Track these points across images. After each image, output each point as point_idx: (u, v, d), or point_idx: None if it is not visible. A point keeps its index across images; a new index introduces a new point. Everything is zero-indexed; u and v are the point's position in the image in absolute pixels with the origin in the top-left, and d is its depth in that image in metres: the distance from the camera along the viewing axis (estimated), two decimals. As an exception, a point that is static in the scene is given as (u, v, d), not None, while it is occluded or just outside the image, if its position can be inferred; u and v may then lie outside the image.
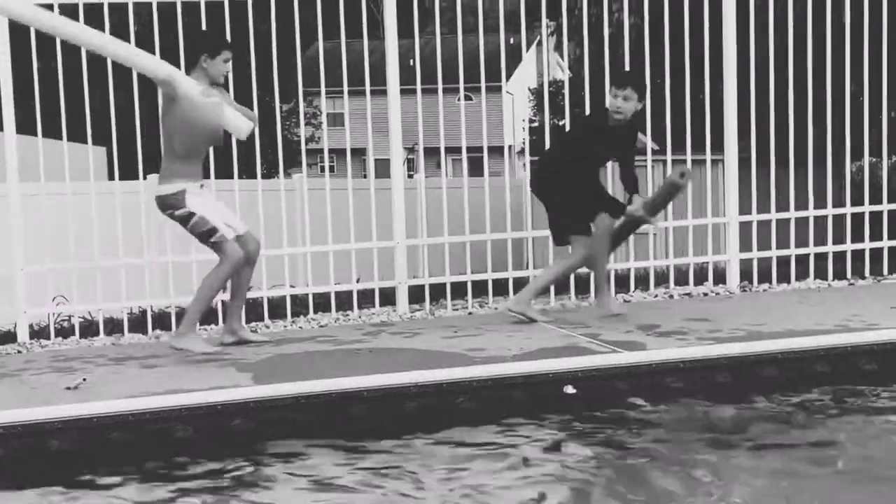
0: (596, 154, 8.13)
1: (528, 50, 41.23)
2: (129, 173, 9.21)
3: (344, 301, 9.18)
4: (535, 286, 8.33)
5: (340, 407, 6.40)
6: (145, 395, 6.41)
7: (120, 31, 8.66)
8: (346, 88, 9.30)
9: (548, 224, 8.32)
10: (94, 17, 8.51)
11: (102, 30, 7.68)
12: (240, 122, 7.23)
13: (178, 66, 7.54)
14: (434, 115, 8.99)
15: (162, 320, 8.85)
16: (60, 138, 8.58)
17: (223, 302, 8.42)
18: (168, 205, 7.47)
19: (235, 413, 6.28)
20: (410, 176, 24.02)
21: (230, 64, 7.59)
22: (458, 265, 9.39)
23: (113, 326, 8.86)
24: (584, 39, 9.39)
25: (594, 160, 8.17)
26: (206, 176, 7.93)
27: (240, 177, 8.99)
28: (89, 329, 8.84)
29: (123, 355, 7.78)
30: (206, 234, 7.47)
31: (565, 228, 8.16)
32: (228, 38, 8.03)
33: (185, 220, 7.46)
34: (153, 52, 7.68)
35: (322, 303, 9.16)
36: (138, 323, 8.85)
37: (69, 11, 8.02)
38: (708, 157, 9.40)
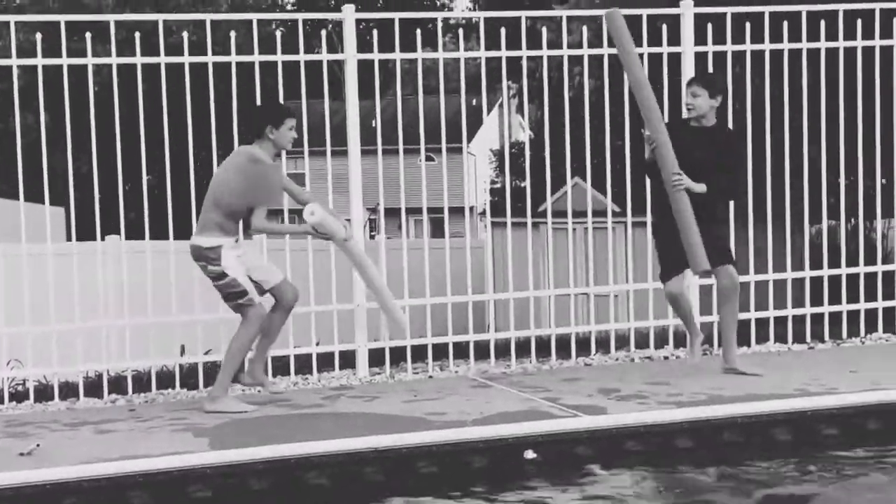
0: (680, 159, 7.85)
1: (489, 111, 41.50)
2: (87, 234, 9.13)
3: (303, 364, 9.10)
4: None
5: (298, 473, 6.33)
6: (100, 461, 6.31)
7: (81, 91, 8.65)
8: (306, 149, 9.28)
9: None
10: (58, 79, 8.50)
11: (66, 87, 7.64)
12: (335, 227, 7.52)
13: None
14: (395, 176, 8.99)
15: (118, 384, 8.74)
16: (17, 198, 8.51)
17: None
18: (202, 257, 7.54)
19: (192, 480, 6.20)
20: (372, 237, 24.01)
21: (294, 131, 7.66)
22: (418, 328, 9.34)
23: (68, 390, 8.73)
24: (545, 101, 9.41)
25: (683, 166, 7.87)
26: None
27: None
28: (44, 393, 8.71)
29: (78, 420, 7.67)
30: (235, 296, 7.57)
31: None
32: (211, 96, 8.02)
33: (216, 278, 7.55)
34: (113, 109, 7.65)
35: (281, 366, 9.08)
36: (94, 387, 8.73)
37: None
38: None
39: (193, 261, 7.64)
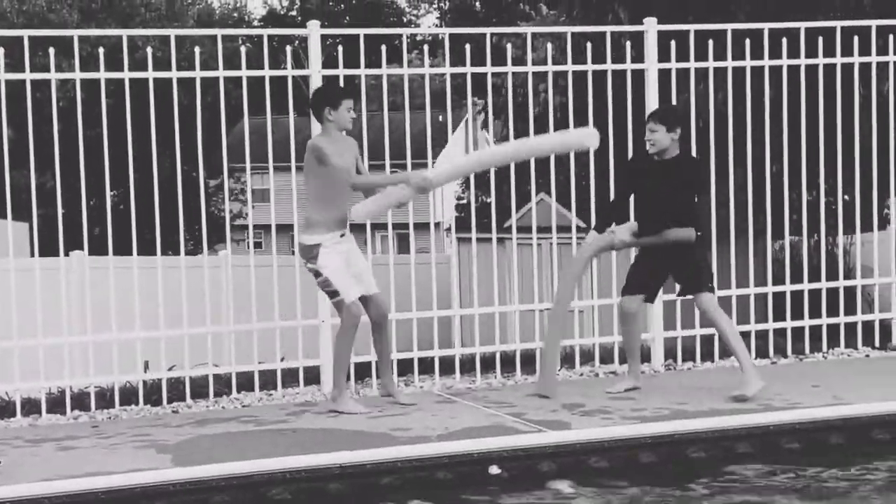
0: (640, 191, 8.33)
1: (455, 127, 41.54)
2: (50, 249, 9.08)
3: (268, 380, 9.08)
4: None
5: (262, 489, 6.31)
6: (63, 478, 6.28)
7: (45, 106, 8.62)
8: (271, 164, 9.28)
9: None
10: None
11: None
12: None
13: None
14: (360, 193, 8.98)
15: (81, 400, 8.68)
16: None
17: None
18: (304, 254, 7.86)
19: (155, 496, 6.18)
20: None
21: (353, 112, 7.92)
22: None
23: (31, 407, 8.67)
24: (510, 118, 9.45)
25: (640, 199, 8.35)
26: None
27: (164, 253, 8.89)
28: (6, 410, 8.64)
29: (41, 437, 7.62)
30: (330, 294, 7.86)
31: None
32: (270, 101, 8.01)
33: (315, 275, 7.84)
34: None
35: (245, 382, 9.05)
36: (57, 403, 8.67)
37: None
38: (632, 235, 9.44)
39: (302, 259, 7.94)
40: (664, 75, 9.61)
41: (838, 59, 9.86)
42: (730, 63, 9.65)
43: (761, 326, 9.80)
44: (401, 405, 8.12)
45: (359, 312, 7.81)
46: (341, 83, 9.03)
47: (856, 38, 9.83)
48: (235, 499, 6.21)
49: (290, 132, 9.11)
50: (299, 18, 59.68)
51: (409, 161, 9.18)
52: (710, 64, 9.69)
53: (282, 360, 9.08)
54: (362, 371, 9.22)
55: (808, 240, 10.27)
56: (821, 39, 9.73)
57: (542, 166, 9.56)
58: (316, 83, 8.91)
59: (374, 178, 8.02)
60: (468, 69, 9.31)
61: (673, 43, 9.45)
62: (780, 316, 9.89)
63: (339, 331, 7.89)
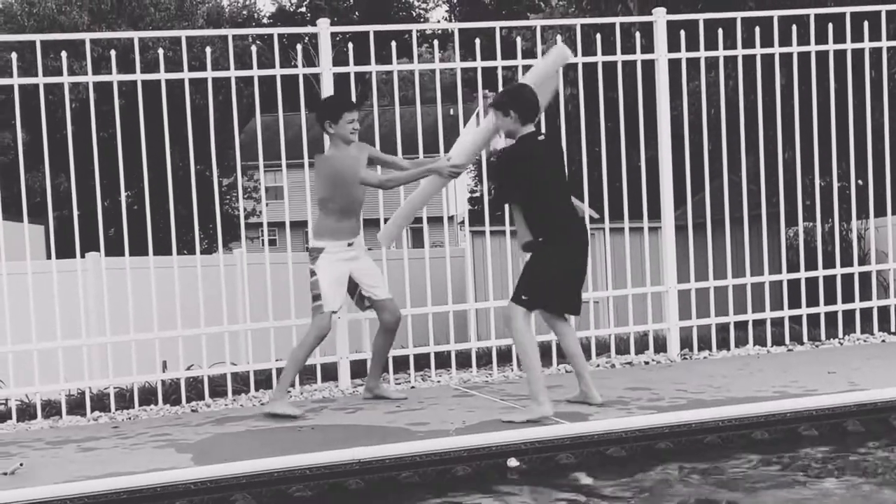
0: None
1: (466, 121, 41.54)
2: (67, 251, 9.12)
3: (286, 377, 9.10)
4: None
5: (282, 486, 6.35)
6: (84, 479, 6.33)
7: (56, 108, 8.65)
8: (284, 161, 9.30)
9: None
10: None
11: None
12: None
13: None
14: (374, 188, 9.00)
15: (101, 401, 8.73)
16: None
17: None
18: (310, 255, 7.95)
19: (176, 495, 6.22)
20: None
21: (356, 123, 7.98)
22: (399, 339, 9.34)
23: (51, 409, 8.72)
24: (521, 111, 9.44)
25: None
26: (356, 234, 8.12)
27: (179, 252, 8.94)
28: (27, 412, 8.70)
29: (61, 438, 7.67)
30: (313, 297, 7.88)
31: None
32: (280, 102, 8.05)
33: (311, 274, 7.91)
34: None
35: (264, 380, 9.08)
36: (77, 405, 8.72)
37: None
38: (645, 224, 9.48)
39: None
40: (675, 65, 9.61)
41: (848, 45, 9.85)
42: (740, 52, 9.65)
43: (777, 314, 9.80)
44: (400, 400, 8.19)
45: (328, 326, 7.91)
46: (352, 81, 9.06)
47: (865, 24, 9.82)
48: (256, 496, 6.25)
49: (303, 129, 9.13)
50: (308, 15, 59.69)
51: (420, 155, 9.20)
52: (721, 53, 9.69)
53: (299, 356, 9.09)
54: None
55: (822, 226, 10.25)
56: (831, 26, 9.72)
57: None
58: (327, 81, 8.94)
59: (402, 176, 8.05)
60: (478, 63, 9.32)
61: (683, 33, 9.45)
62: (795, 303, 9.88)
63: (305, 336, 7.94)
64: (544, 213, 7.36)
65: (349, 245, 7.92)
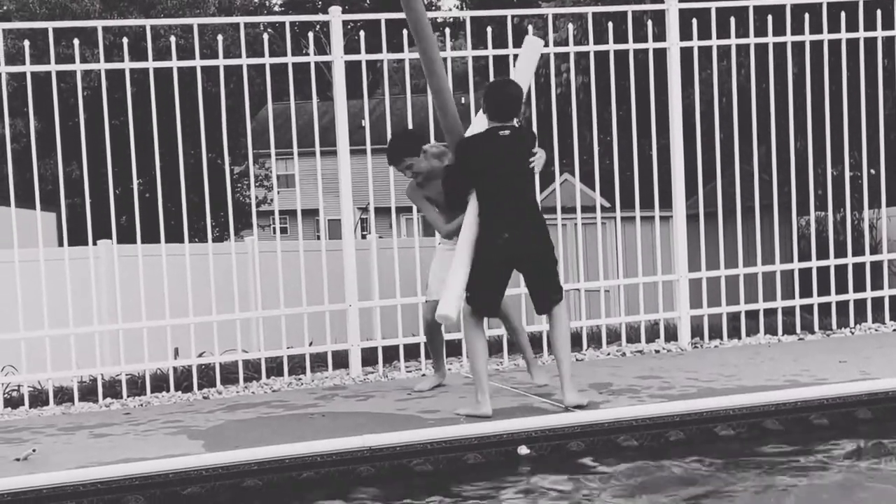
0: None
1: (479, 110, 41.47)
2: (78, 239, 9.15)
3: (297, 365, 9.14)
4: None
5: (294, 473, 6.38)
6: (96, 465, 6.36)
7: (69, 96, 8.67)
8: (295, 149, 9.32)
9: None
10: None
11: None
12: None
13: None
14: (385, 175, 9.02)
15: (113, 388, 8.77)
16: (8, 205, 8.53)
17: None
18: None
19: (188, 481, 6.26)
20: (363, 236, 24.02)
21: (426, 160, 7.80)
22: (411, 326, 9.37)
23: (63, 395, 8.76)
24: (532, 99, 9.45)
25: None
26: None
27: (191, 240, 8.96)
28: (39, 398, 8.74)
29: (74, 424, 7.70)
30: None
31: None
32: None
33: None
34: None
35: (275, 367, 9.11)
36: (89, 391, 8.76)
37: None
38: (657, 213, 9.47)
39: None
40: (686, 53, 9.59)
41: (861, 34, 9.82)
42: (752, 40, 9.62)
43: (788, 303, 9.79)
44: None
45: (428, 314, 7.92)
46: (363, 69, 9.06)
47: (878, 13, 9.79)
48: (267, 483, 6.29)
49: (314, 117, 9.14)
50: (320, 3, 59.65)
51: (431, 143, 9.19)
52: (733, 41, 9.67)
53: (310, 344, 9.13)
54: (390, 354, 9.26)
55: (833, 215, 10.23)
56: (843, 14, 9.69)
57: (565, 146, 9.57)
58: (338, 69, 8.94)
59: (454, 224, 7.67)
60: (490, 52, 9.32)
61: (695, 21, 9.44)
62: (806, 292, 9.87)
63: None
64: (484, 209, 7.23)
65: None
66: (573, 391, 7.19)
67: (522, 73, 7.76)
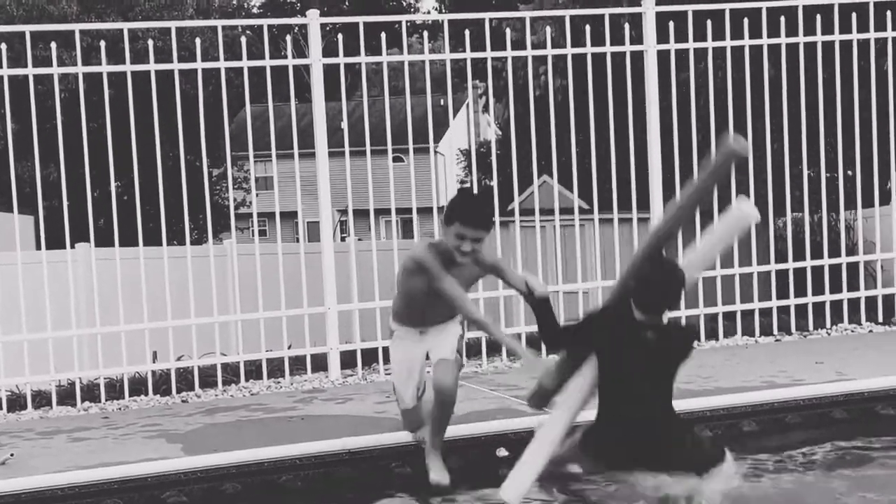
0: None
1: (457, 111, 41.56)
2: (57, 242, 9.12)
3: (276, 368, 9.14)
4: None
5: (273, 476, 6.37)
6: (75, 469, 6.35)
7: (46, 99, 8.64)
8: (274, 152, 9.31)
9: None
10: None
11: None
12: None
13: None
14: (364, 178, 9.02)
15: (91, 392, 8.75)
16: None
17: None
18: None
19: (166, 485, 6.24)
20: (343, 239, 23.95)
21: (467, 243, 6.10)
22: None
23: (41, 399, 8.73)
24: (511, 101, 9.48)
25: None
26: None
27: (169, 243, 8.94)
28: (17, 403, 8.71)
29: (52, 429, 7.68)
30: None
31: None
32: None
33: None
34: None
35: (254, 370, 9.11)
36: (67, 395, 8.73)
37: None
38: (634, 215, 9.50)
39: None
40: (663, 56, 9.63)
41: (836, 37, 9.88)
42: (728, 42, 9.67)
43: (765, 304, 9.84)
44: None
45: (401, 420, 6.68)
46: (341, 71, 9.06)
47: (853, 15, 9.85)
48: (246, 486, 6.28)
49: (293, 120, 9.15)
50: (299, 5, 59.60)
51: (411, 145, 9.21)
52: (709, 44, 9.71)
53: (289, 347, 9.14)
54: (369, 357, 9.27)
55: (810, 216, 10.29)
56: (819, 17, 9.74)
57: (543, 148, 9.59)
58: (316, 71, 8.95)
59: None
60: (468, 54, 9.34)
61: (672, 24, 9.48)
62: (783, 293, 9.92)
63: None
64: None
65: (420, 333, 6.54)
66: None
67: (706, 251, 5.94)
